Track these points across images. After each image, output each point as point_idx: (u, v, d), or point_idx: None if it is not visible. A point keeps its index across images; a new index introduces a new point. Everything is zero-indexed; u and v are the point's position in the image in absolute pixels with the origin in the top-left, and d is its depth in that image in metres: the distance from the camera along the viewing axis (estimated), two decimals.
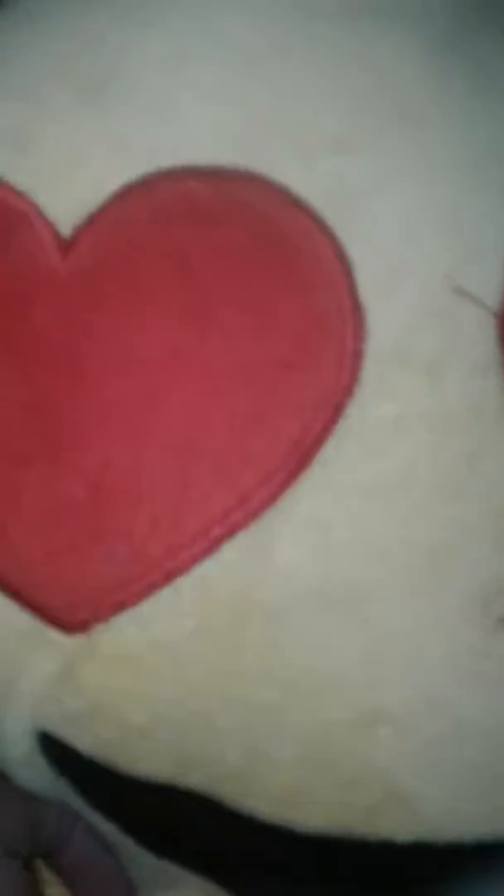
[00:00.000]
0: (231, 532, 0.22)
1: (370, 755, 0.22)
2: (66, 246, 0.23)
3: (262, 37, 0.24)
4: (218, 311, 0.22)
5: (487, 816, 0.22)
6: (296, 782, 0.22)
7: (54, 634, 0.23)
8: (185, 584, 0.22)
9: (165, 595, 0.22)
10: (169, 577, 0.22)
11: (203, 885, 0.26)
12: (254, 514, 0.22)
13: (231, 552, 0.22)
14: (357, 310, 0.22)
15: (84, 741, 0.24)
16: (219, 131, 0.23)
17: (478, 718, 0.22)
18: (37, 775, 0.26)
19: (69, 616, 0.23)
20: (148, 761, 0.23)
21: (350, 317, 0.22)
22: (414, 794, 0.22)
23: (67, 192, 0.23)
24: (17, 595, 0.23)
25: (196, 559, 0.22)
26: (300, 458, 0.22)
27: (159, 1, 0.24)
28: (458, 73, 0.24)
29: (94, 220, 0.23)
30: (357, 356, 0.22)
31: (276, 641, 0.22)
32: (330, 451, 0.22)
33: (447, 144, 0.24)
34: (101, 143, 0.23)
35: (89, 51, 0.24)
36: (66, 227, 0.23)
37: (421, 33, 0.24)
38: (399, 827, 0.22)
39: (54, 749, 0.25)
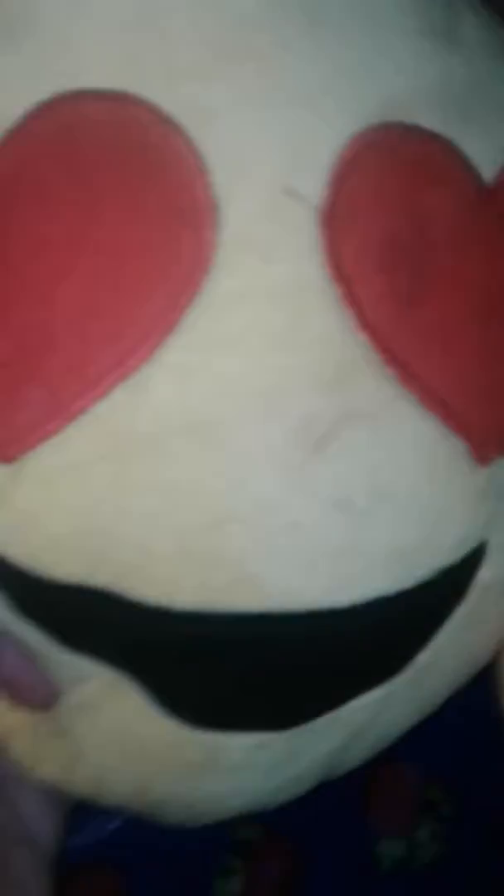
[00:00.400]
0: (120, 379, 0.27)
1: (224, 546, 0.27)
2: None
3: None
4: (103, 206, 0.27)
5: (313, 591, 0.28)
6: (172, 571, 0.28)
7: None
8: (88, 420, 0.27)
9: (73, 428, 0.27)
10: (76, 414, 0.27)
11: (107, 674, 0.31)
12: (136, 366, 0.27)
13: (119, 394, 0.27)
14: (211, 206, 0.27)
15: (14, 552, 0.29)
16: (105, 63, 0.28)
17: (299, 516, 0.28)
18: None
19: (2, 450, 0.28)
20: (64, 566, 0.28)
21: (205, 212, 0.27)
22: (256, 575, 0.28)
23: None
24: None
25: (95, 400, 0.27)
26: (169, 322, 0.27)
27: None
28: (297, 16, 0.29)
29: (10, 136, 0.27)
30: (211, 244, 0.27)
31: (153, 461, 0.27)
32: (191, 316, 0.27)
33: (285, 75, 0.28)
34: (16, 72, 0.28)
35: None
36: None
37: None
38: (247, 600, 0.28)
39: None
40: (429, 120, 0.30)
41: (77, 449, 0.27)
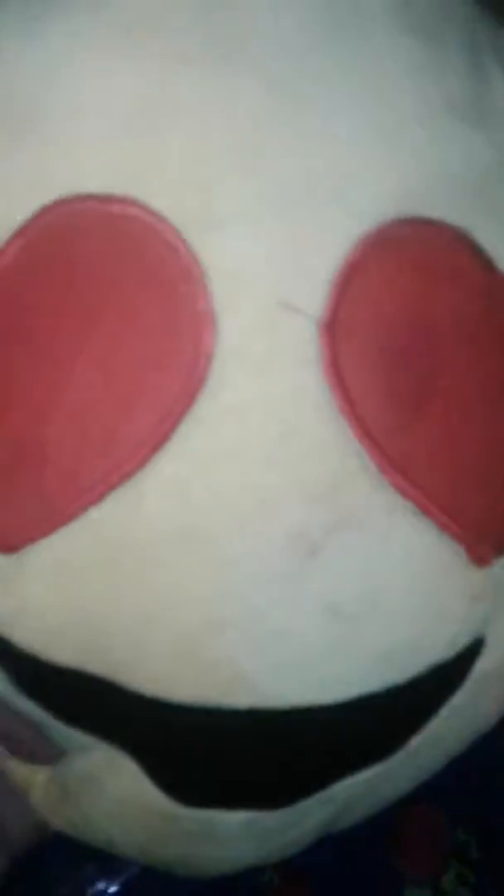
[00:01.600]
0: (111, 488, 0.28)
1: (220, 648, 0.29)
2: None
3: (140, 87, 0.29)
4: (101, 318, 0.28)
5: (302, 691, 0.30)
6: (168, 668, 0.29)
7: None
8: (80, 525, 0.28)
9: (67, 531, 0.28)
10: (69, 519, 0.28)
11: (106, 749, 0.33)
12: (129, 475, 0.28)
13: (112, 502, 0.28)
14: (210, 318, 0.27)
15: (16, 635, 0.30)
16: (109, 167, 0.28)
17: (289, 623, 0.29)
18: None
19: (4, 541, 0.29)
20: (62, 652, 0.30)
21: (205, 325, 0.27)
22: (249, 675, 0.29)
23: None
24: None
25: (87, 507, 0.28)
26: (164, 433, 0.27)
27: (69, 53, 0.29)
28: (305, 116, 0.29)
29: (16, 236, 0.28)
30: (208, 356, 0.27)
31: (148, 567, 0.28)
32: (186, 428, 0.28)
33: (286, 180, 0.28)
34: (21, 173, 0.29)
35: (18, 89, 0.29)
36: None
37: (275, 78, 0.29)
38: (240, 698, 0.29)
39: None
40: (444, 210, 0.30)
41: (72, 549, 0.29)
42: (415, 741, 0.33)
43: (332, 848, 0.41)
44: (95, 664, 0.30)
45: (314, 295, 0.28)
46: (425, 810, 0.55)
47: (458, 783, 0.48)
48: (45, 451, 0.28)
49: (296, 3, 0.30)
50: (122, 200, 0.28)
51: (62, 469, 0.28)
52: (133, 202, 0.28)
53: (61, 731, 0.33)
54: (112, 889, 0.48)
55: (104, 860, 0.48)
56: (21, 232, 0.29)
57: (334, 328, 0.28)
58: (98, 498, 0.28)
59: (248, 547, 0.28)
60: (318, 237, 0.28)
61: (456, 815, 0.56)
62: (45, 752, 0.35)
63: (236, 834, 0.34)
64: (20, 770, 0.36)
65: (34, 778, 0.36)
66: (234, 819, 0.33)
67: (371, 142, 0.29)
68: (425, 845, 0.55)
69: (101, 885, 0.48)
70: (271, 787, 0.33)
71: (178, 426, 0.28)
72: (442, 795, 0.51)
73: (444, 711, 0.33)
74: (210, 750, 0.31)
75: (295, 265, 0.28)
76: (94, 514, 0.28)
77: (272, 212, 0.28)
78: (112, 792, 0.33)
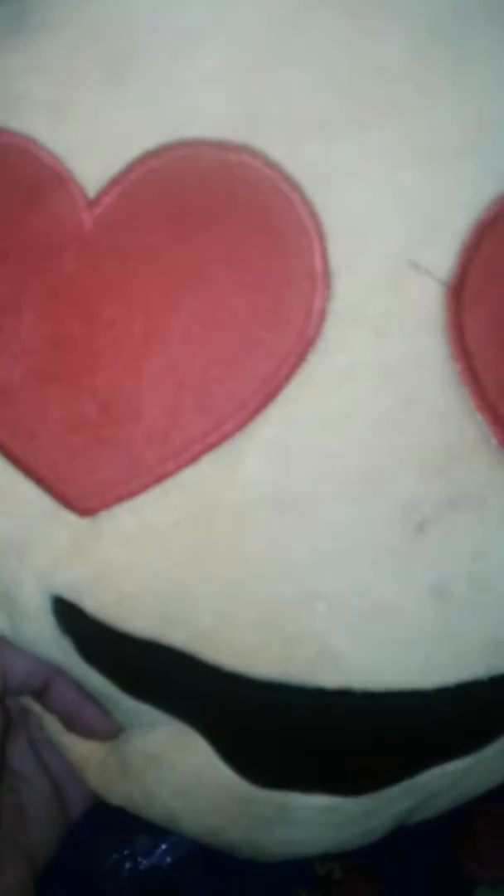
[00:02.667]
0: (208, 448, 0.27)
1: (309, 622, 0.28)
2: (91, 205, 0.27)
3: (264, 24, 0.27)
4: (208, 267, 0.27)
5: (397, 673, 0.28)
6: (253, 640, 0.28)
7: (69, 515, 0.28)
8: (171, 485, 0.27)
9: (155, 492, 0.27)
10: (159, 479, 0.27)
11: (173, 725, 0.32)
12: (227, 436, 0.27)
13: (207, 463, 0.27)
14: (326, 274, 0.26)
15: (88, 603, 0.29)
16: (223, 110, 0.27)
17: (391, 600, 0.28)
18: (44, 631, 0.31)
19: (81, 503, 0.28)
20: (138, 621, 0.29)
21: (319, 280, 0.26)
22: (340, 652, 0.28)
23: (93, 159, 0.27)
24: (42, 483, 0.29)
25: (179, 467, 0.27)
26: (268, 393, 0.27)
27: None
28: (442, 65, 0.27)
29: (114, 184, 0.27)
30: (321, 314, 0.26)
31: (240, 532, 0.27)
32: (292, 389, 0.27)
33: (421, 131, 0.27)
34: (123, 116, 0.27)
35: (117, 28, 0.28)
36: (91, 189, 0.27)
37: (414, 22, 0.28)
38: (328, 676, 0.28)
39: (64, 609, 0.30)
40: None
41: (159, 512, 0.28)
42: None
43: (400, 842, 0.41)
44: (173, 635, 0.29)
45: (440, 256, 0.27)
46: (498, 810, 0.54)
47: None
48: (137, 406, 0.27)
49: None
50: (237, 148, 0.27)
51: (155, 426, 0.27)
52: (248, 150, 0.27)
53: (127, 705, 0.33)
54: (166, 860, 0.48)
55: (158, 832, 0.48)
56: (118, 179, 0.28)
57: (461, 293, 0.27)
58: (193, 458, 0.27)
59: (351, 517, 0.27)
60: (447, 194, 0.27)
61: None
62: (105, 728, 0.34)
63: (312, 819, 0.33)
64: (77, 746, 0.36)
65: (91, 754, 0.36)
66: (311, 803, 0.32)
67: None
68: (497, 848, 0.54)
69: (154, 857, 0.48)
70: (355, 773, 0.32)
71: (285, 387, 0.27)
72: None
73: None
74: (291, 730, 0.30)
75: (420, 223, 0.27)
76: (187, 476, 0.28)
77: (398, 164, 0.27)
78: (180, 771, 0.33)
